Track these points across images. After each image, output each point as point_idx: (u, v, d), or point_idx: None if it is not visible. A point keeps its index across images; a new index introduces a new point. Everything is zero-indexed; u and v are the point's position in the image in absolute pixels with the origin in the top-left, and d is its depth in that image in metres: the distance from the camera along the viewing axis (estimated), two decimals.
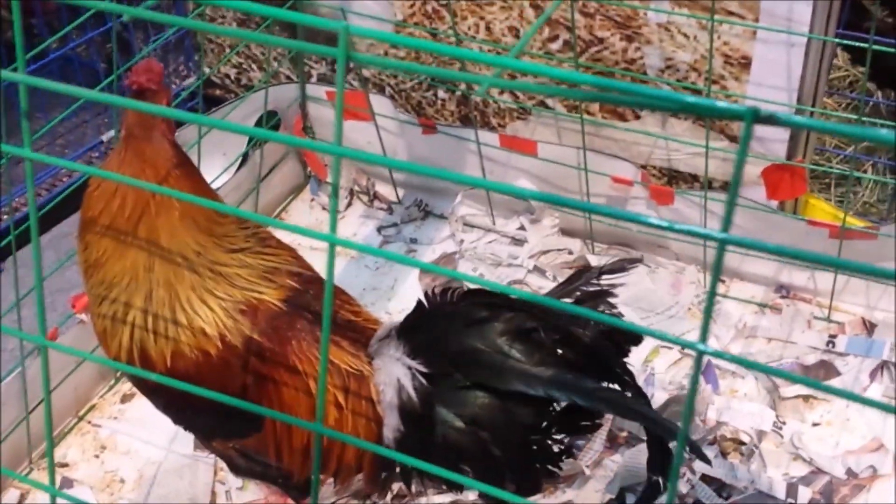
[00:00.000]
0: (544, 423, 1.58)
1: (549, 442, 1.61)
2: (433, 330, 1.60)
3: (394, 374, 1.60)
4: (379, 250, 0.80)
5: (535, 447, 1.60)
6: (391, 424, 1.63)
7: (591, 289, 1.58)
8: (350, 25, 0.67)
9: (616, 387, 1.54)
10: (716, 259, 0.65)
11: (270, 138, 2.73)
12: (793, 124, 0.58)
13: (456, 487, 1.68)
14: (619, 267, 1.60)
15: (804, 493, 2.05)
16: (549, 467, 1.63)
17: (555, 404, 1.56)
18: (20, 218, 2.25)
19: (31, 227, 0.82)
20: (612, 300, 1.58)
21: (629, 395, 1.52)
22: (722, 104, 0.61)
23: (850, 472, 2.11)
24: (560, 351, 1.52)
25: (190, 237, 1.61)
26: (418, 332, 1.62)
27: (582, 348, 1.52)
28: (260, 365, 1.64)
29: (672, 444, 1.51)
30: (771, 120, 0.59)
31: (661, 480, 1.54)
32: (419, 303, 1.64)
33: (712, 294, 0.67)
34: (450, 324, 1.57)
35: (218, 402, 1.64)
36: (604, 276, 1.59)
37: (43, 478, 2.16)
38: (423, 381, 1.58)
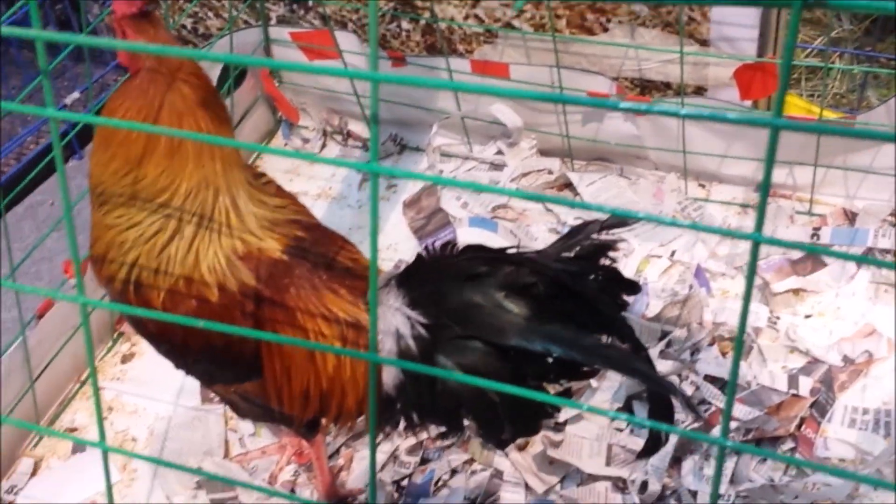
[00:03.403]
0: (542, 371, 1.57)
1: (548, 386, 1.62)
2: (433, 283, 1.59)
3: (392, 324, 1.59)
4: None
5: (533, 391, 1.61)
6: (391, 372, 1.63)
7: (592, 243, 1.56)
8: None
9: (615, 340, 1.53)
10: (750, 259, 0.65)
11: None
12: (841, 7, 0.59)
13: (456, 430, 1.69)
14: (620, 222, 1.59)
15: (805, 383, 2.10)
16: (548, 409, 1.65)
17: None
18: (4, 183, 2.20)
19: (60, 184, 0.81)
20: (611, 253, 1.57)
21: (627, 349, 1.51)
22: None
23: (847, 359, 2.17)
24: (559, 305, 1.51)
25: (240, 172, 1.63)
26: (418, 284, 1.61)
27: (581, 302, 1.51)
28: (259, 312, 1.64)
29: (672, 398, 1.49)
30: (819, 3, 0.59)
31: (662, 434, 1.55)
32: (419, 255, 1.64)
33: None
34: (449, 277, 1.56)
35: (216, 348, 1.65)
36: (605, 230, 1.57)
37: (53, 445, 2.16)
38: (423, 331, 1.58)
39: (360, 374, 1.68)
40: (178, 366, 1.76)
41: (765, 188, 0.67)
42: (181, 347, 1.68)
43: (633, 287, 1.61)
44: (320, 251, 1.69)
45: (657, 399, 1.49)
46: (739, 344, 0.76)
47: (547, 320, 1.50)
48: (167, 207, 1.58)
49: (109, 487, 0.97)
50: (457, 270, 1.56)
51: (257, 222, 1.64)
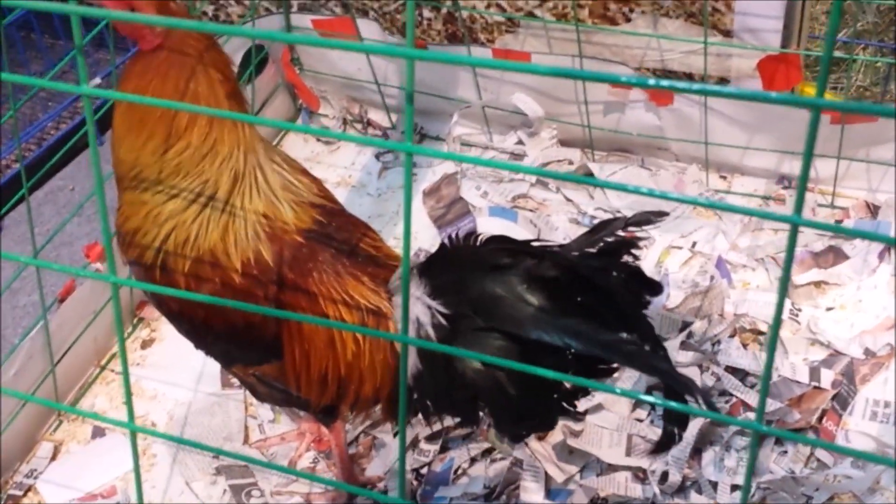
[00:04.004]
0: (561, 367, 1.55)
1: (566, 384, 1.61)
2: (455, 273, 1.59)
3: (413, 313, 1.59)
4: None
5: (550, 387, 1.60)
6: (409, 361, 1.63)
7: (616, 239, 1.55)
8: None
9: (634, 337, 1.52)
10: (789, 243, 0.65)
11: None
12: None
13: (472, 422, 1.68)
14: (646, 219, 1.57)
15: (826, 376, 2.09)
16: (565, 405, 1.65)
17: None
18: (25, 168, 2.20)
19: (93, 161, 0.81)
20: (634, 251, 1.55)
21: (647, 347, 1.50)
22: None
23: (868, 352, 2.15)
24: (580, 299, 1.51)
25: (267, 153, 1.65)
26: (440, 273, 1.61)
27: (602, 297, 1.50)
28: (281, 296, 1.64)
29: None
30: None
31: (676, 431, 1.54)
32: (442, 244, 1.64)
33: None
34: (472, 268, 1.56)
35: (237, 329, 1.66)
36: (629, 227, 1.56)
37: (73, 430, 2.17)
38: (443, 320, 1.58)
39: (378, 361, 1.68)
40: (198, 346, 1.77)
41: (805, 169, 0.66)
42: (202, 326, 1.68)
43: (656, 287, 1.59)
44: (343, 237, 1.70)
45: (675, 396, 1.49)
46: (778, 319, 0.75)
47: (568, 314, 1.50)
48: (199, 185, 1.59)
49: (137, 467, 0.97)
50: (479, 261, 1.56)
51: (284, 204, 1.65)
